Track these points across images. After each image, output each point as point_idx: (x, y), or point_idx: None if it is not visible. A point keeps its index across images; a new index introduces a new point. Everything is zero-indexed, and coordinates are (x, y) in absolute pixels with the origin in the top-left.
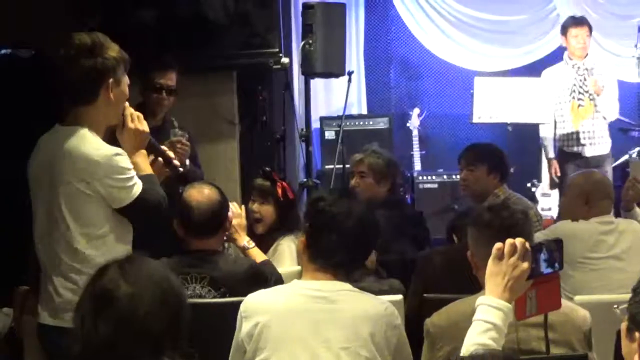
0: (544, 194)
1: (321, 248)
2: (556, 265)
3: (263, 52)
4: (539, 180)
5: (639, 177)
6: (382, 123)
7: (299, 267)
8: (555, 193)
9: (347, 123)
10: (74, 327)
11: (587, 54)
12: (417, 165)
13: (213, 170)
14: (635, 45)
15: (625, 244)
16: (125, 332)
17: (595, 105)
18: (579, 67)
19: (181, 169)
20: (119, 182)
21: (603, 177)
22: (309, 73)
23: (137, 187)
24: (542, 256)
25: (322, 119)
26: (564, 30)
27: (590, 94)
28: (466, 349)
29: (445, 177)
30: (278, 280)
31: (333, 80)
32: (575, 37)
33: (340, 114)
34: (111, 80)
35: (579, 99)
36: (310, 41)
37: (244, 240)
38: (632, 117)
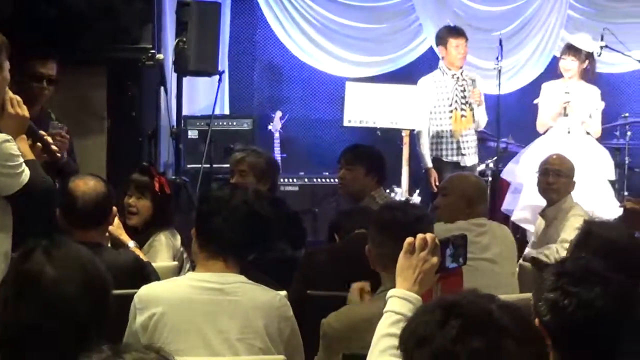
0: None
1: (209, 232)
2: (460, 260)
3: (135, 47)
4: (398, 186)
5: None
6: (245, 124)
7: (175, 263)
8: (415, 199)
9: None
10: None
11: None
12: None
13: (80, 164)
14: (497, 58)
15: (498, 248)
16: (49, 316)
17: (474, 116)
18: (457, 78)
19: (59, 155)
20: (9, 169)
21: (481, 181)
22: (182, 71)
23: (26, 175)
24: (449, 251)
25: (186, 118)
26: (443, 40)
27: (471, 105)
28: (376, 339)
29: (306, 180)
30: (155, 276)
31: (196, 79)
32: (456, 47)
33: (203, 113)
34: None
35: (461, 109)
36: (185, 39)
37: (128, 242)
38: (490, 129)
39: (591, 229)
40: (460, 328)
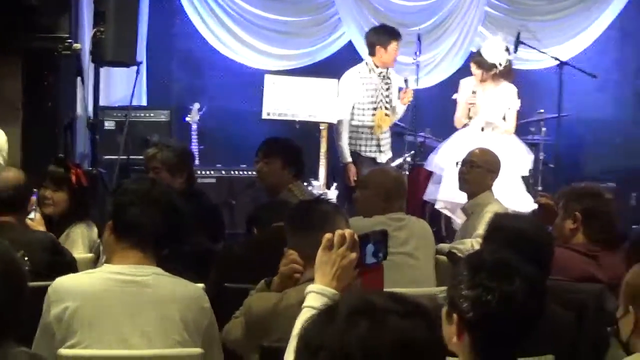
0: (320, 194)
1: (126, 223)
2: (380, 255)
3: (51, 36)
4: (316, 179)
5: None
6: (163, 116)
7: (91, 255)
8: (332, 192)
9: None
10: None
11: None
12: (196, 160)
13: None
14: (415, 53)
15: (416, 242)
16: None
17: (395, 113)
18: (384, 76)
19: None
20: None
21: (401, 175)
22: (99, 61)
23: None
24: (368, 247)
25: (102, 109)
26: (384, 41)
27: (392, 102)
28: (294, 335)
29: (223, 172)
30: (72, 260)
31: (113, 69)
32: (395, 50)
33: (120, 104)
34: None
35: (385, 108)
36: (102, 29)
37: None
38: (407, 123)
39: (499, 221)
40: (345, 318)
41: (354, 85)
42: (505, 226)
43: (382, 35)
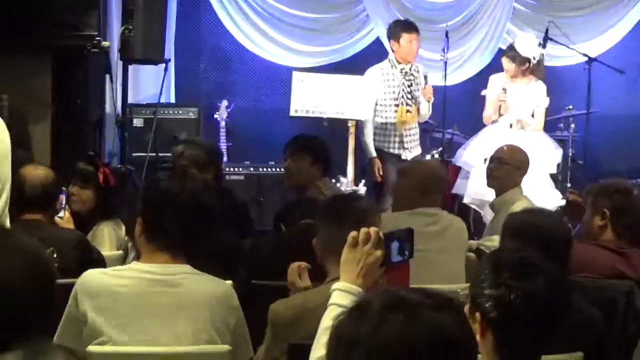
0: (353, 190)
1: (157, 225)
2: (406, 253)
3: (80, 34)
4: (344, 176)
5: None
6: (191, 113)
7: (119, 252)
8: (361, 189)
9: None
10: None
11: None
12: (224, 157)
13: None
14: (443, 50)
15: (447, 238)
16: None
17: (419, 110)
18: (406, 72)
19: None
20: None
21: (440, 169)
22: (128, 59)
23: None
24: (394, 245)
25: (131, 106)
26: (396, 34)
27: (416, 100)
28: (320, 332)
29: (252, 169)
30: (100, 257)
31: (141, 66)
32: (410, 42)
33: (149, 101)
34: None
35: (407, 104)
36: (131, 26)
37: None
38: (436, 120)
39: (513, 215)
40: (377, 315)
41: (375, 81)
42: (518, 220)
43: (395, 28)
